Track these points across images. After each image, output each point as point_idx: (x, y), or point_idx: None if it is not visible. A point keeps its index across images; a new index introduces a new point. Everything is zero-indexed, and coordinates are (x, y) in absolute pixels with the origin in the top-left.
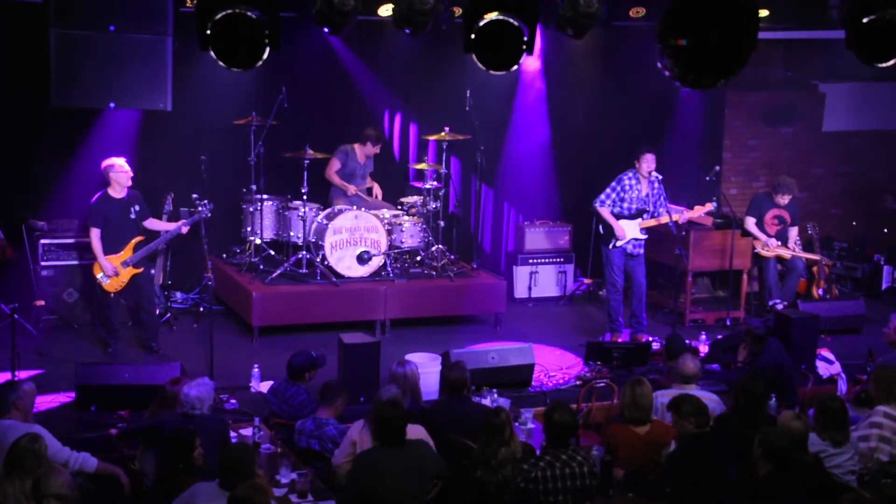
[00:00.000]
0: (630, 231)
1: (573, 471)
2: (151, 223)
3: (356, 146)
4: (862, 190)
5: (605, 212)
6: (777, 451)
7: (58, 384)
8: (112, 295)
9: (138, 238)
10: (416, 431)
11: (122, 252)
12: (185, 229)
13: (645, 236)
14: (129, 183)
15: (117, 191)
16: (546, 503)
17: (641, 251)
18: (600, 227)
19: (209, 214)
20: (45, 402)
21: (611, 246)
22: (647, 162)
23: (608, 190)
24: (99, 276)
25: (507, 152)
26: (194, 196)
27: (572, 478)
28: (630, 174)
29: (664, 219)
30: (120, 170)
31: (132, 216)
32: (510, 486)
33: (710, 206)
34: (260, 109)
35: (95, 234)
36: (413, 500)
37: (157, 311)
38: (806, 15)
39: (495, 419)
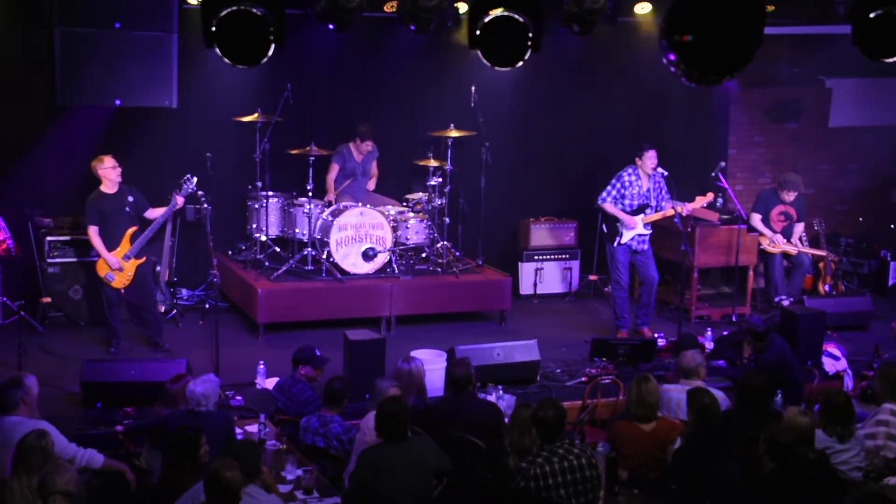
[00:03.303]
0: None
1: (571, 464)
2: (152, 212)
3: (351, 145)
4: (868, 186)
5: (608, 207)
6: (781, 447)
7: (64, 381)
8: (122, 291)
9: (133, 229)
10: None
11: (120, 246)
12: (180, 200)
13: (649, 231)
14: (119, 179)
15: (109, 187)
16: (548, 499)
17: (647, 246)
18: (603, 226)
19: (195, 186)
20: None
21: (615, 244)
22: (650, 159)
23: (608, 187)
24: (105, 274)
25: (512, 149)
26: (200, 193)
27: (571, 471)
28: (630, 170)
29: (668, 212)
30: (108, 165)
31: (126, 209)
32: (510, 486)
33: (710, 197)
34: (265, 106)
35: (94, 232)
36: (416, 497)
37: (163, 309)
38: (812, 10)
39: (526, 411)
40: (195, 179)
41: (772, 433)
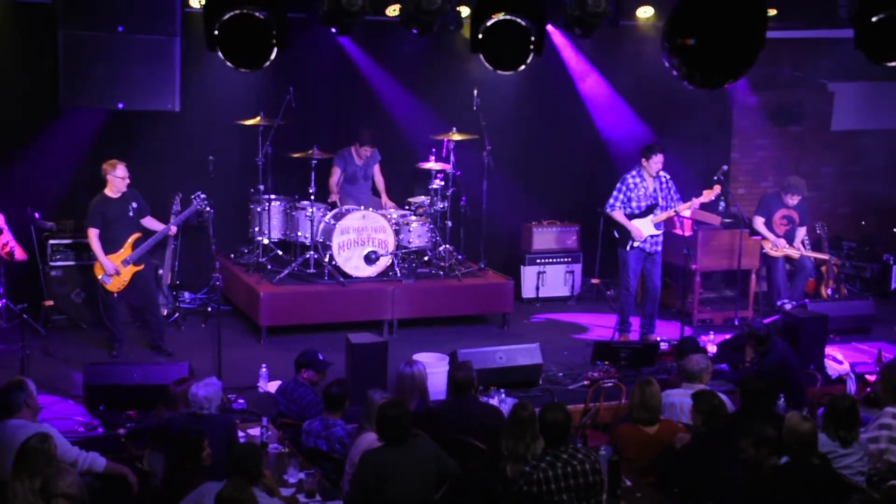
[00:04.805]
0: (644, 228)
1: (575, 469)
2: (148, 222)
3: (353, 149)
4: (871, 189)
5: (617, 215)
6: (765, 441)
7: (66, 384)
8: (115, 295)
9: (136, 235)
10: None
11: (122, 250)
12: (172, 230)
13: (660, 231)
14: (125, 188)
15: (114, 192)
16: (551, 503)
17: (659, 248)
18: (615, 232)
19: (204, 206)
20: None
21: (628, 248)
22: (657, 162)
23: (615, 192)
24: (101, 276)
25: (514, 152)
26: (203, 196)
27: (575, 476)
28: (634, 172)
29: (671, 213)
30: (120, 175)
31: (130, 213)
32: (512, 490)
33: (717, 189)
34: (267, 110)
35: (94, 234)
36: (417, 499)
37: (165, 312)
38: (814, 14)
39: (523, 413)
40: (204, 197)
41: (757, 431)
